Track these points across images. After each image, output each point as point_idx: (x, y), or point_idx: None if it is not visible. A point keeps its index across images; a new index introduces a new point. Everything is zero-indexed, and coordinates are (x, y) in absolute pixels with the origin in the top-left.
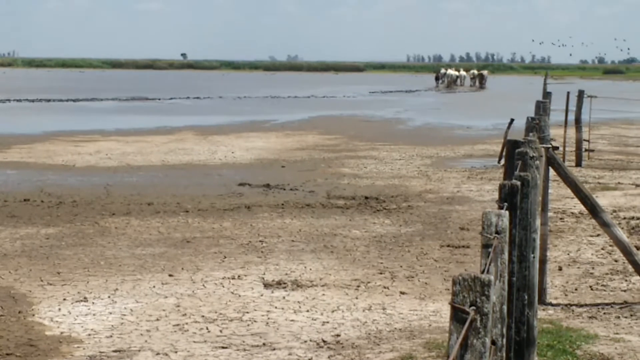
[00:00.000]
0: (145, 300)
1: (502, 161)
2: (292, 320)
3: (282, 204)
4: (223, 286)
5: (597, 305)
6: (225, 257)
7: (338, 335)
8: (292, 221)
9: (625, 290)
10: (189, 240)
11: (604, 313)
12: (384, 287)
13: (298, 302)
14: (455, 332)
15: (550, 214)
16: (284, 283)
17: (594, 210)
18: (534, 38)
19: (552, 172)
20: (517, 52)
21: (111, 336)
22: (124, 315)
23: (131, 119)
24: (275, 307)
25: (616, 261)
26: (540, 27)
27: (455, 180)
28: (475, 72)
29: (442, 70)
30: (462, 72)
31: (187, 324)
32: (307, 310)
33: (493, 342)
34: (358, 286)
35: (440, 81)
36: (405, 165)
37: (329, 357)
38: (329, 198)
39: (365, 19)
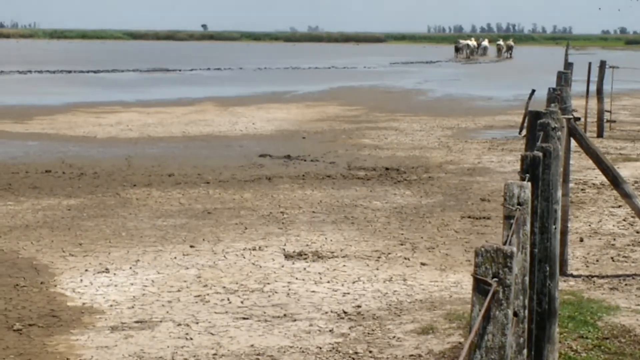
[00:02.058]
0: (167, 271)
1: (523, 132)
2: (313, 292)
3: (303, 175)
4: (244, 257)
5: (618, 276)
6: (246, 228)
7: (359, 307)
8: (312, 192)
9: None
10: (210, 212)
11: (626, 284)
12: (405, 258)
13: (319, 273)
14: (477, 303)
15: (571, 185)
16: (305, 254)
17: (615, 181)
18: (555, 8)
19: (573, 143)
20: (538, 22)
21: (133, 307)
22: (146, 286)
23: (152, 90)
24: (296, 278)
25: (638, 232)
26: None
27: (476, 151)
28: (502, 42)
29: (462, 42)
30: (485, 42)
31: (208, 294)
32: (328, 282)
33: (515, 314)
34: (379, 257)
35: (460, 52)
36: (426, 136)
37: (349, 328)
38: (349, 169)
39: None
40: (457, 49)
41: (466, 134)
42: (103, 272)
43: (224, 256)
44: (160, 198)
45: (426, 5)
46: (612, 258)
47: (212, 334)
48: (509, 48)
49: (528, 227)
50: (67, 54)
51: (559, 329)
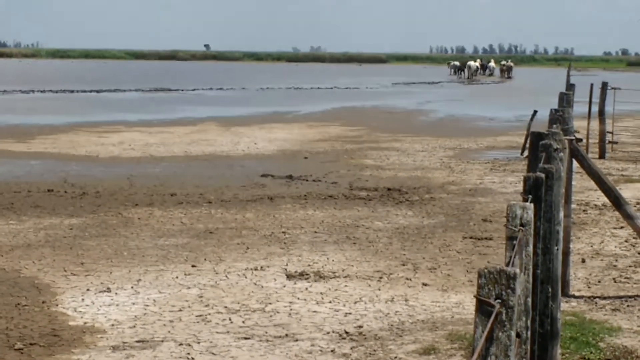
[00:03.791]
0: (168, 291)
1: (525, 153)
2: (314, 312)
3: (305, 195)
4: (246, 277)
5: (620, 297)
6: (248, 248)
7: (360, 327)
8: (314, 212)
9: None
10: (212, 231)
11: (628, 305)
12: (407, 279)
13: (321, 293)
14: (480, 325)
15: (573, 206)
16: (307, 274)
17: (617, 202)
18: (557, 29)
19: (575, 164)
20: (540, 43)
21: (134, 326)
22: (147, 305)
23: (154, 110)
24: (298, 298)
25: (639, 253)
26: (563, 18)
27: (478, 172)
28: (505, 63)
29: (452, 63)
30: (492, 63)
31: (209, 314)
32: (330, 302)
33: (518, 335)
34: (380, 277)
35: (454, 72)
36: (428, 156)
37: (351, 349)
38: (351, 189)
39: (388, 9)
40: (457, 69)
41: (468, 155)
42: (105, 291)
43: (226, 276)
44: (162, 217)
45: (428, 26)
46: (614, 279)
47: (214, 354)
48: (508, 69)
49: (531, 248)
50: (69, 73)
51: (561, 350)
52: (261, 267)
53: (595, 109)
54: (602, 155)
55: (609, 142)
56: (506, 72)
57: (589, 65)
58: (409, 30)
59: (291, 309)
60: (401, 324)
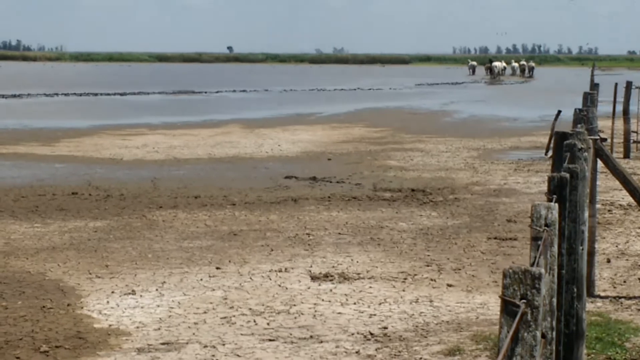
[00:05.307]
0: (193, 293)
1: (550, 153)
2: (339, 313)
3: (329, 197)
4: (270, 279)
5: None
6: (272, 250)
7: (385, 328)
8: (338, 214)
9: None
10: (236, 233)
11: None
12: (431, 280)
13: (345, 294)
14: (505, 325)
15: (598, 206)
16: (331, 276)
17: None
18: (579, 29)
19: (600, 164)
20: (564, 43)
21: (159, 329)
22: (172, 307)
23: (178, 112)
24: (322, 300)
25: None
26: (587, 18)
27: (502, 172)
28: (525, 63)
29: (470, 63)
30: (515, 64)
31: (234, 316)
32: (354, 303)
33: (543, 335)
34: (405, 279)
35: (473, 72)
36: (452, 157)
37: (376, 350)
38: (375, 190)
39: (410, 10)
40: (490, 70)
41: (492, 155)
42: (129, 293)
43: (250, 278)
44: (186, 220)
45: (451, 27)
46: (639, 279)
47: (239, 356)
48: (530, 69)
49: (555, 248)
50: (93, 76)
51: (586, 350)
52: (285, 269)
53: (619, 108)
54: (626, 155)
55: (634, 141)
56: (527, 71)
57: (613, 64)
58: (431, 31)
59: (316, 311)
60: (426, 325)
